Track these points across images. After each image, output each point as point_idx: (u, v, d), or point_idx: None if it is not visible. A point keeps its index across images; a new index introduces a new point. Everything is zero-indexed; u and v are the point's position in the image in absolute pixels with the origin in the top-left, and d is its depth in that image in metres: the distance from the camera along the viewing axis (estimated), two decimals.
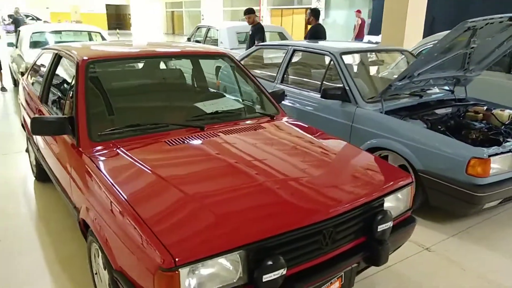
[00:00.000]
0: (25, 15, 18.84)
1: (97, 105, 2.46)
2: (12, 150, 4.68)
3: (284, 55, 4.47)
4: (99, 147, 2.19)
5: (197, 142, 2.30)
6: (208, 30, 8.65)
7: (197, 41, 8.95)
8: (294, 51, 4.40)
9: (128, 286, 1.61)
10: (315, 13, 6.52)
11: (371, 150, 3.39)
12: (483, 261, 2.75)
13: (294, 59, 4.53)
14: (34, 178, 3.83)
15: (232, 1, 24.06)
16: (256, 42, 6.35)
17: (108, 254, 1.75)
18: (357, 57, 4.46)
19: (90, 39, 7.63)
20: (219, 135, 2.38)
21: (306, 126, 2.80)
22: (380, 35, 6.93)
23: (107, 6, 31.94)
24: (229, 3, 24.26)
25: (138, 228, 1.58)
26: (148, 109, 2.65)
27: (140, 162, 2.02)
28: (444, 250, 2.85)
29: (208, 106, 2.80)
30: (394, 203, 2.13)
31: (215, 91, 3.38)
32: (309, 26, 6.66)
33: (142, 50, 3.04)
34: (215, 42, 8.27)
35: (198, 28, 9.16)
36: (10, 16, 13.10)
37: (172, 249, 1.46)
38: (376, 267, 2.52)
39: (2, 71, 7.87)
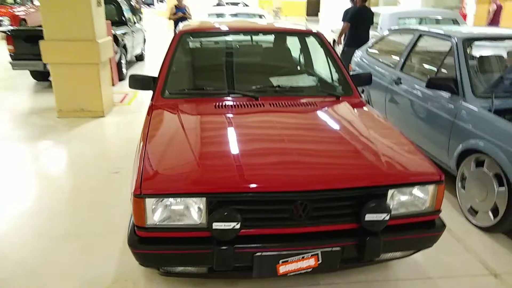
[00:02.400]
0: (232, 3, 21.61)
1: (177, 69, 2.92)
2: None
3: (410, 40, 4.15)
4: (164, 102, 2.64)
5: (239, 108, 2.52)
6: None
7: None
8: (420, 36, 4.03)
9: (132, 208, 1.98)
10: None
11: (469, 152, 2.95)
12: None
13: (423, 45, 4.14)
14: None
15: None
16: None
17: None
18: (497, 47, 3.78)
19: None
20: (264, 105, 2.54)
21: (367, 110, 2.66)
22: None
23: None
24: None
25: (138, 163, 1.94)
26: (219, 78, 2.97)
27: (180, 117, 2.38)
28: None
29: (279, 81, 2.95)
30: (407, 198, 1.92)
31: (302, 68, 3.45)
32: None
33: (234, 26, 3.36)
34: (375, 27, 7.98)
35: None
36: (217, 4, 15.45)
37: (144, 181, 1.77)
38: (416, 274, 2.35)
39: None
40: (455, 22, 7.76)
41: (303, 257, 1.83)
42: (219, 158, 1.98)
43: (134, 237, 1.81)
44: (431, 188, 1.93)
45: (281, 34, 3.50)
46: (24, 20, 13.28)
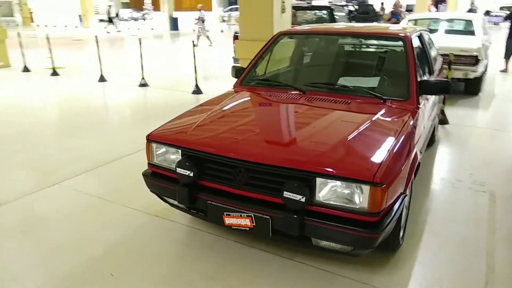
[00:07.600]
0: None
1: (262, 63, 3.49)
2: None
3: None
4: (239, 88, 3.31)
5: (283, 97, 2.98)
6: None
7: None
8: None
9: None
10: None
11: None
12: None
13: None
14: None
15: None
16: None
17: None
18: None
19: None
20: (303, 98, 2.89)
21: (398, 115, 2.59)
22: None
23: None
24: None
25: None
26: (289, 74, 3.39)
27: (231, 98, 3.04)
28: None
29: (344, 81, 3.12)
30: (338, 191, 2.01)
31: (374, 70, 3.35)
32: None
33: (325, 29, 3.58)
34: None
35: None
36: None
37: (153, 132, 2.57)
38: None
39: None
40: None
41: (241, 215, 2.22)
42: (207, 126, 2.56)
43: (147, 170, 2.62)
44: (365, 188, 1.93)
45: (368, 38, 3.52)
46: None
